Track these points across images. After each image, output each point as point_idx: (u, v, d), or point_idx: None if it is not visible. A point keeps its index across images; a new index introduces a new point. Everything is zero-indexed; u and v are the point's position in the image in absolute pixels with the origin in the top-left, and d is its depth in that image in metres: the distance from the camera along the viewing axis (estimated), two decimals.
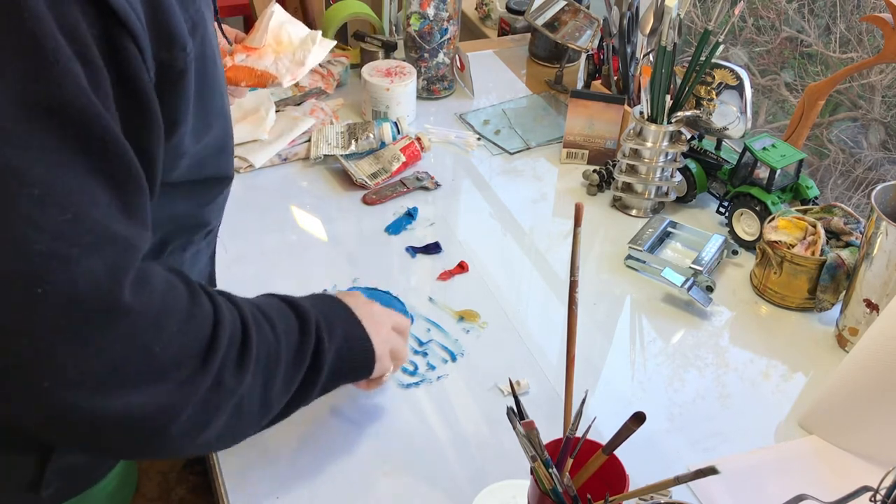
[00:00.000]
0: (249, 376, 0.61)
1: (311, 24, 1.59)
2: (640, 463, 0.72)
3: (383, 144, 1.26)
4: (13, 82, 0.46)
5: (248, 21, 2.22)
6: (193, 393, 0.57)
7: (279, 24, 1.05)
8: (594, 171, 1.23)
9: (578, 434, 0.64)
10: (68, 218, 0.48)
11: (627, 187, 1.18)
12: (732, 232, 1.12)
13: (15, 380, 0.50)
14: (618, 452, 0.62)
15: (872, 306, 0.92)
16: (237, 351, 0.61)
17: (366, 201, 1.18)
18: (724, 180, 1.15)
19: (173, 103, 0.57)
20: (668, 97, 1.12)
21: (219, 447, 0.67)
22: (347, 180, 1.20)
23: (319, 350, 0.69)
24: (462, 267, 1.07)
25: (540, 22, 1.43)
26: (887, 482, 0.66)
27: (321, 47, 1.06)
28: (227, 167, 0.73)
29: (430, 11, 1.36)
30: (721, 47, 1.08)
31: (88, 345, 0.51)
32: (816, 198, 1.10)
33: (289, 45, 1.04)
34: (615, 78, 1.31)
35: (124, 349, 0.52)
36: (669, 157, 1.14)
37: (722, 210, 1.16)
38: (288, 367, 0.66)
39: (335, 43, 1.11)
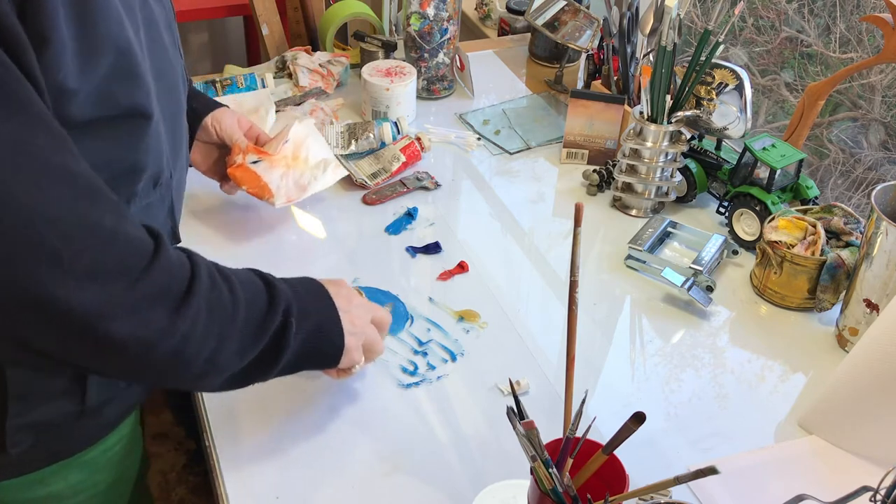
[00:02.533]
0: (187, 322, 0.63)
1: (311, 23, 1.59)
2: (640, 463, 0.72)
3: (383, 144, 1.26)
4: None
5: (248, 21, 2.21)
6: (121, 303, 0.60)
7: (303, 137, 1.07)
8: (594, 171, 1.23)
9: (578, 434, 0.64)
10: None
11: (627, 187, 1.18)
12: (732, 232, 1.12)
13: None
14: (618, 452, 0.62)
15: (872, 306, 0.92)
16: (176, 291, 0.63)
17: (366, 201, 1.18)
18: (724, 180, 1.15)
19: (35, 16, 0.57)
20: (668, 97, 1.12)
21: (169, 384, 0.72)
22: (347, 180, 1.20)
23: (284, 333, 0.71)
24: (462, 267, 1.07)
25: (540, 22, 1.43)
26: (887, 482, 0.66)
27: (332, 174, 1.10)
28: (142, 101, 0.70)
29: (430, 11, 1.36)
30: (721, 47, 1.08)
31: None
32: (816, 198, 1.10)
33: (303, 164, 1.08)
34: (615, 78, 1.31)
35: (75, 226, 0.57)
36: (669, 157, 1.14)
37: (722, 210, 1.16)
38: (244, 336, 0.68)
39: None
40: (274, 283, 0.72)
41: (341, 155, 1.23)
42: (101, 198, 0.60)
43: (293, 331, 0.71)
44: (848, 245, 1.00)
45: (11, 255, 0.55)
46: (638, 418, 0.58)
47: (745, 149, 1.09)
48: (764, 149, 1.07)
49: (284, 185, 1.07)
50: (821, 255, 0.98)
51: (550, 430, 0.67)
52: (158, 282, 0.62)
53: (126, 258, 0.60)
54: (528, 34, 1.62)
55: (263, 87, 1.38)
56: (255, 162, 1.06)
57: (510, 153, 1.32)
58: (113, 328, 0.59)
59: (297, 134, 1.09)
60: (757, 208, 1.08)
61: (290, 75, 1.42)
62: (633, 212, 1.19)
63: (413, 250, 1.10)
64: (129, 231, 0.61)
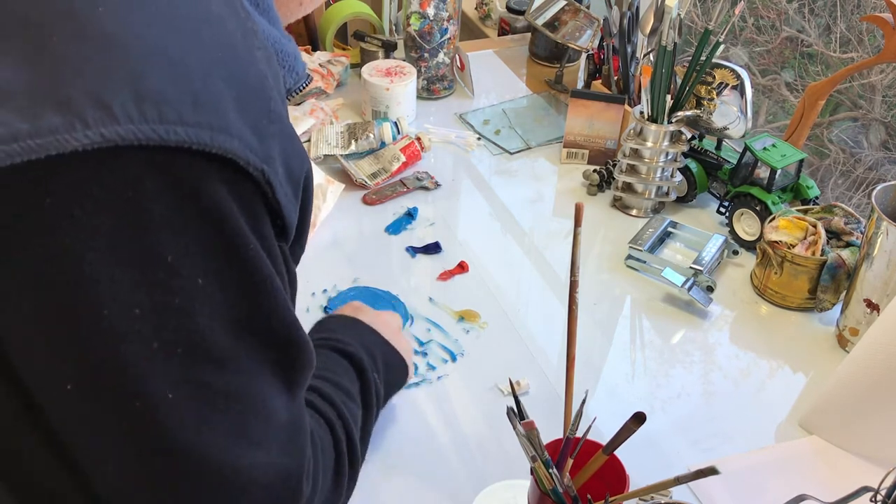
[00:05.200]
0: (355, 480, 0.66)
1: (311, 23, 1.59)
2: (640, 463, 0.72)
3: (383, 144, 1.26)
4: (232, 313, 0.46)
5: None
6: None
7: None
8: (594, 171, 1.23)
9: (578, 434, 0.64)
10: (264, 425, 0.49)
11: (628, 187, 1.18)
12: (733, 232, 1.12)
13: None
14: (618, 452, 0.62)
15: (873, 306, 0.92)
16: (349, 463, 0.65)
17: (366, 201, 1.18)
18: (724, 180, 1.15)
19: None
20: (668, 97, 1.12)
21: None
22: (347, 180, 1.20)
23: (378, 392, 0.75)
24: (462, 267, 1.07)
25: (540, 22, 1.43)
26: (887, 482, 0.66)
27: (332, 196, 1.13)
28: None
29: (430, 11, 1.36)
30: (721, 47, 1.08)
31: None
32: (817, 198, 1.10)
33: None
34: (615, 78, 1.31)
35: None
36: (670, 157, 1.14)
37: (722, 210, 1.16)
38: (369, 428, 0.72)
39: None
40: (350, 353, 0.74)
41: (341, 155, 1.23)
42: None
43: (379, 383, 0.75)
44: (848, 245, 1.00)
45: None
46: (638, 418, 0.58)
47: (746, 149, 1.08)
48: (764, 149, 1.07)
49: None
50: (821, 255, 0.98)
51: (550, 431, 0.67)
52: (345, 476, 0.63)
53: (328, 482, 0.60)
54: (528, 34, 1.62)
55: None
56: None
57: (510, 153, 1.32)
58: None
59: None
60: (757, 208, 1.08)
61: None
62: (634, 212, 1.19)
63: (413, 250, 1.09)
64: (324, 447, 0.61)
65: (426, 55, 1.40)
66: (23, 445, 0.46)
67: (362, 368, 0.74)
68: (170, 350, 0.43)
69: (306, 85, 0.58)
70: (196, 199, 0.42)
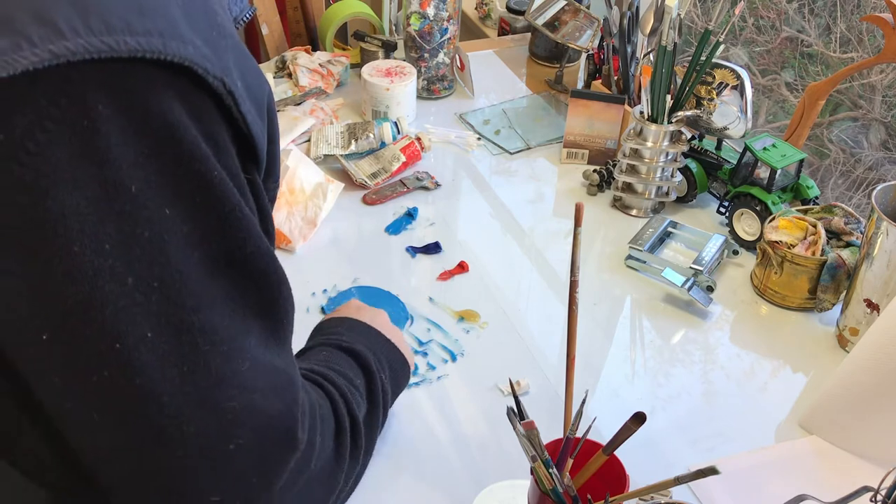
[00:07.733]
0: (358, 462, 0.65)
1: (311, 23, 1.59)
2: (640, 463, 0.72)
3: (383, 144, 1.26)
4: (204, 245, 0.44)
5: (248, 24, 2.21)
6: (327, 483, 0.60)
7: (293, 168, 1.08)
8: (594, 171, 1.23)
9: (578, 434, 0.64)
10: (247, 367, 0.47)
11: (628, 187, 1.18)
12: (733, 232, 1.12)
13: None
14: (618, 452, 0.62)
15: (873, 306, 0.92)
16: (352, 440, 0.64)
17: (366, 201, 1.18)
18: (724, 180, 1.15)
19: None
20: (668, 97, 1.12)
21: None
22: (347, 180, 1.20)
23: (385, 392, 0.74)
24: (462, 267, 1.07)
25: (540, 21, 1.43)
26: (888, 482, 0.66)
27: (332, 195, 1.13)
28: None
29: (430, 11, 1.36)
30: (721, 47, 1.08)
31: (270, 488, 0.50)
32: (817, 198, 1.10)
33: (301, 195, 1.10)
34: (615, 78, 1.31)
35: (295, 481, 0.53)
36: (670, 157, 1.14)
37: (722, 210, 1.16)
38: (376, 425, 0.72)
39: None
40: (357, 352, 0.73)
41: (341, 155, 1.23)
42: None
43: (386, 383, 0.74)
44: (848, 245, 1.00)
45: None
46: (638, 418, 0.58)
47: (746, 149, 1.08)
48: (764, 149, 1.07)
49: (295, 225, 1.09)
50: (821, 255, 0.98)
51: (550, 431, 0.67)
52: (346, 451, 0.62)
53: (328, 444, 0.59)
54: (528, 34, 1.62)
55: None
56: None
57: (510, 153, 1.32)
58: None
59: (286, 169, 1.09)
60: (757, 208, 1.08)
61: (290, 75, 1.41)
62: (634, 212, 1.19)
63: (413, 250, 1.09)
64: (324, 414, 0.60)
65: (426, 55, 1.40)
66: None
67: (368, 367, 0.72)
68: (146, 286, 0.41)
69: (251, 15, 0.56)
70: (151, 122, 0.40)
